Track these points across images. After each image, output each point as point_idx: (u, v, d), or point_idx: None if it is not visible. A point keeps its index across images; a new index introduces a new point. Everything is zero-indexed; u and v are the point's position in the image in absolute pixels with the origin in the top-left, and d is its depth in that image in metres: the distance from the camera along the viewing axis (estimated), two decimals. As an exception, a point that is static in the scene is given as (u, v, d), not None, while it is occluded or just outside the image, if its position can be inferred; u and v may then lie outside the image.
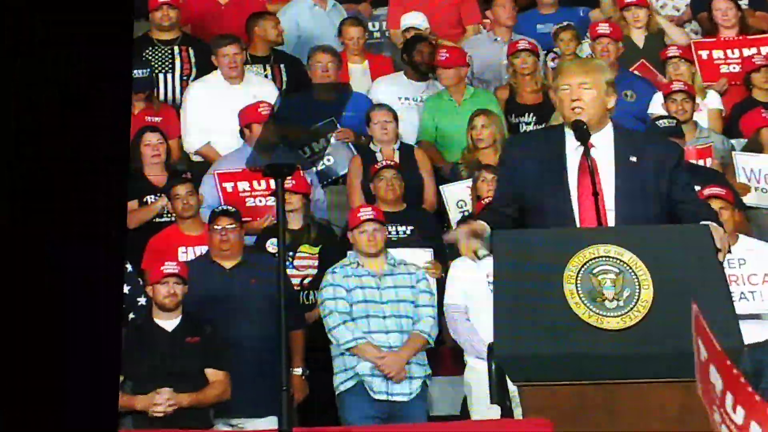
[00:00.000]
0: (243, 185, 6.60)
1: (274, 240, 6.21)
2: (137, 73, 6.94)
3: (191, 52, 7.55)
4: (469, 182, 6.42)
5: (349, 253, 5.92)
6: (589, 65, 3.98)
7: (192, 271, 5.81)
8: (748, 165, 6.67)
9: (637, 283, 3.34)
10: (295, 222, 6.24)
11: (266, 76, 7.46)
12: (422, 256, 6.19)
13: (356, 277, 5.79)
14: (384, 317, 5.74)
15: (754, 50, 7.44)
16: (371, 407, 5.65)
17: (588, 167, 3.66)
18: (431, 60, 7.36)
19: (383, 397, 5.66)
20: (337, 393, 5.74)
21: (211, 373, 5.59)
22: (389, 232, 6.42)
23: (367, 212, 5.92)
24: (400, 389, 5.67)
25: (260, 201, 6.62)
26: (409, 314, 5.76)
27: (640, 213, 3.71)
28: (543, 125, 6.86)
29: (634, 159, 3.77)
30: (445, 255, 6.12)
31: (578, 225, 3.68)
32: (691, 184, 4.02)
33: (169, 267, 5.70)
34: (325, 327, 5.75)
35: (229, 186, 6.60)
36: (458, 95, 7.29)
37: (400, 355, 5.67)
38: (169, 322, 5.65)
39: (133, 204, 6.46)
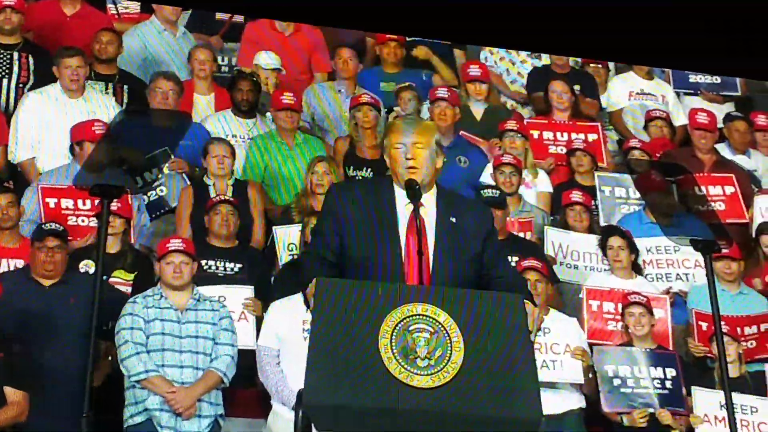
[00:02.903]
0: (67, 202, 6.43)
1: (87, 261, 6.07)
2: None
3: (31, 59, 7.34)
4: (300, 227, 6.44)
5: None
6: (421, 125, 3.99)
7: (6, 284, 5.60)
8: (557, 240, 6.97)
9: (449, 345, 3.38)
10: (112, 246, 6.08)
11: (107, 93, 7.32)
12: (242, 292, 6.13)
13: (157, 308, 5.61)
14: (180, 352, 5.57)
15: (582, 135, 7.80)
16: (159, 443, 5.44)
17: (416, 227, 3.71)
18: (251, 98, 7.38)
19: None
20: (125, 427, 5.51)
21: (10, 393, 5.37)
22: (217, 268, 6.37)
23: (176, 243, 5.79)
24: (188, 426, 5.49)
25: (83, 221, 6.45)
26: (207, 351, 5.60)
27: (456, 272, 3.78)
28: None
29: (453, 220, 3.85)
30: (269, 295, 6.10)
31: (404, 281, 3.70)
32: (504, 254, 4.11)
33: None
34: (118, 357, 5.54)
35: (52, 201, 6.43)
36: (290, 139, 7.32)
37: (191, 391, 5.50)
38: None
39: (-52, 210, 6.20)
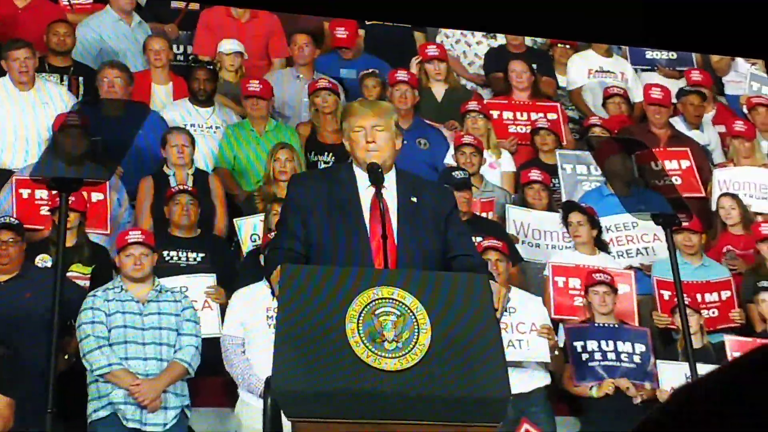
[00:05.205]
0: (41, 193, 6.32)
1: (44, 256, 5.98)
2: None
3: (-18, 54, 7.22)
4: (262, 216, 6.40)
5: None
6: (380, 107, 3.99)
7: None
8: (518, 219, 7.00)
9: (416, 327, 3.37)
10: (69, 240, 5.96)
11: (62, 84, 7.23)
12: (205, 281, 6.08)
13: (118, 301, 5.50)
14: (143, 344, 5.47)
15: (541, 115, 7.82)
16: (124, 438, 5.35)
17: (379, 209, 3.71)
18: (207, 87, 7.32)
19: (136, 425, 5.37)
20: (89, 421, 5.40)
21: None
22: (179, 258, 6.31)
23: (135, 235, 5.72)
24: (154, 419, 5.40)
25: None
26: (171, 342, 5.51)
27: (421, 251, 3.78)
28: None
29: (414, 200, 3.85)
30: (233, 282, 6.05)
31: (373, 265, 3.70)
32: (467, 233, 4.12)
33: None
34: (80, 352, 5.43)
35: (25, 192, 6.34)
36: (260, 126, 7.28)
37: (156, 383, 5.40)
38: None
39: None
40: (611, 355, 6.07)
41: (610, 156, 6.39)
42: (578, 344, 6.07)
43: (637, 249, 6.98)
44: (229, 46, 7.71)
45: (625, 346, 6.10)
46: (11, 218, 5.89)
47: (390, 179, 3.86)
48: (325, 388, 3.30)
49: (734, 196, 7.23)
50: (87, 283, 5.95)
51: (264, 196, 6.66)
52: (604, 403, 5.99)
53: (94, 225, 6.40)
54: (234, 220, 6.60)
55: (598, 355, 6.06)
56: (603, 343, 6.09)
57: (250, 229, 6.49)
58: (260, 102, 7.27)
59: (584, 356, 6.06)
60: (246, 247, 6.45)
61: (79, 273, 6.02)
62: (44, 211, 6.31)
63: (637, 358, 6.07)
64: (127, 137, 5.61)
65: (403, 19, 8.10)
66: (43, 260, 5.97)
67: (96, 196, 6.45)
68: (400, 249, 3.75)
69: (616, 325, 6.18)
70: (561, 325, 6.30)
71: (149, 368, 5.45)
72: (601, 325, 6.16)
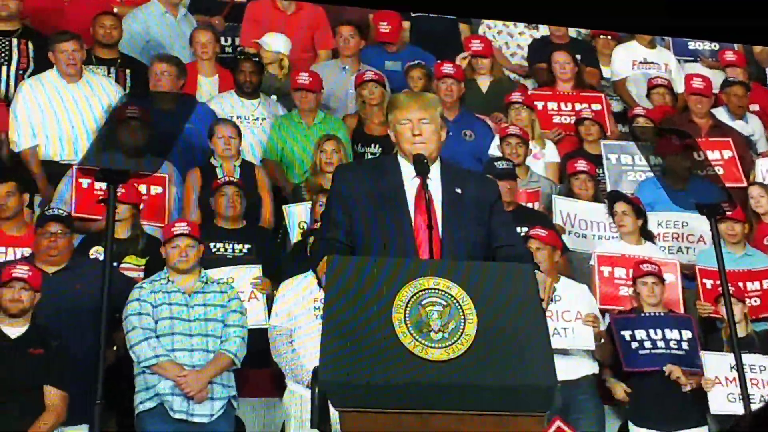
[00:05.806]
0: (101, 183, 6.35)
1: (98, 248, 6.01)
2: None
3: (30, 45, 7.32)
4: (309, 205, 6.45)
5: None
6: (425, 100, 4.02)
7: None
8: (565, 209, 6.99)
9: (462, 317, 3.38)
10: (122, 232, 6.06)
11: (108, 77, 7.30)
12: (251, 272, 6.12)
13: (164, 293, 5.55)
14: (190, 335, 5.51)
15: (585, 105, 7.80)
16: (171, 428, 5.40)
17: (425, 200, 3.74)
18: (254, 79, 7.35)
19: (183, 416, 5.42)
20: (136, 413, 5.45)
21: (50, 394, 5.27)
22: (225, 250, 6.36)
23: (181, 227, 5.75)
24: (200, 410, 5.45)
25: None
26: (217, 333, 5.55)
27: (465, 241, 3.80)
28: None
29: (459, 191, 3.88)
30: (279, 273, 6.09)
31: (417, 255, 3.73)
32: (510, 223, 4.14)
33: (20, 271, 5.39)
34: (127, 343, 5.48)
35: (85, 182, 6.36)
36: (309, 118, 7.31)
37: (202, 374, 5.45)
38: (13, 330, 5.34)
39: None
40: (660, 343, 6.06)
41: (669, 148, 6.34)
42: (626, 333, 6.06)
43: (679, 247, 6.96)
44: (275, 42, 7.75)
45: (672, 334, 6.09)
46: (61, 210, 5.94)
47: (435, 170, 3.89)
48: (372, 378, 3.33)
49: (763, 185, 7.19)
50: (141, 275, 5.98)
51: (311, 188, 6.69)
52: (649, 392, 6.00)
53: (153, 217, 6.46)
54: (283, 206, 6.64)
55: (647, 344, 6.05)
56: (651, 331, 6.08)
57: (299, 216, 6.53)
58: (309, 95, 7.29)
59: (633, 345, 6.05)
60: (295, 235, 6.45)
61: (133, 264, 6.08)
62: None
63: (685, 345, 6.06)
64: (173, 130, 5.66)
65: (447, 11, 8.11)
66: (98, 252, 5.99)
67: (155, 189, 6.50)
68: (444, 239, 3.78)
69: (662, 313, 6.17)
70: (607, 315, 6.29)
71: (196, 359, 5.50)
72: (647, 314, 6.15)
